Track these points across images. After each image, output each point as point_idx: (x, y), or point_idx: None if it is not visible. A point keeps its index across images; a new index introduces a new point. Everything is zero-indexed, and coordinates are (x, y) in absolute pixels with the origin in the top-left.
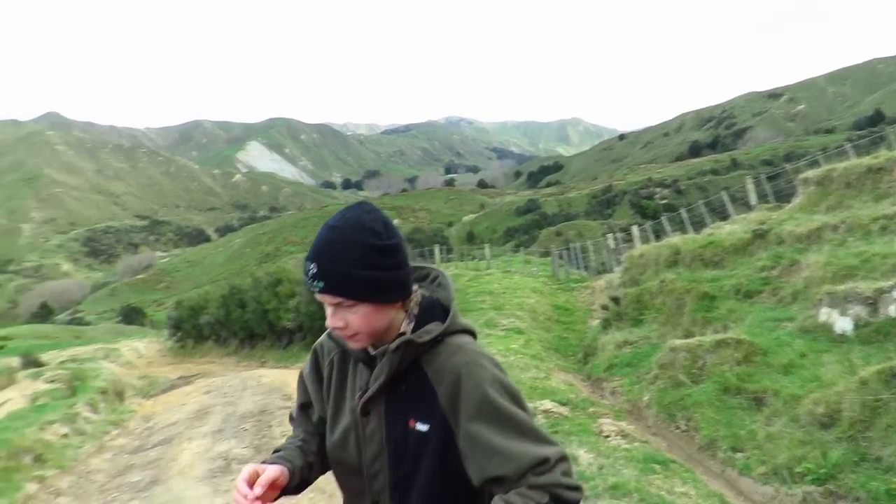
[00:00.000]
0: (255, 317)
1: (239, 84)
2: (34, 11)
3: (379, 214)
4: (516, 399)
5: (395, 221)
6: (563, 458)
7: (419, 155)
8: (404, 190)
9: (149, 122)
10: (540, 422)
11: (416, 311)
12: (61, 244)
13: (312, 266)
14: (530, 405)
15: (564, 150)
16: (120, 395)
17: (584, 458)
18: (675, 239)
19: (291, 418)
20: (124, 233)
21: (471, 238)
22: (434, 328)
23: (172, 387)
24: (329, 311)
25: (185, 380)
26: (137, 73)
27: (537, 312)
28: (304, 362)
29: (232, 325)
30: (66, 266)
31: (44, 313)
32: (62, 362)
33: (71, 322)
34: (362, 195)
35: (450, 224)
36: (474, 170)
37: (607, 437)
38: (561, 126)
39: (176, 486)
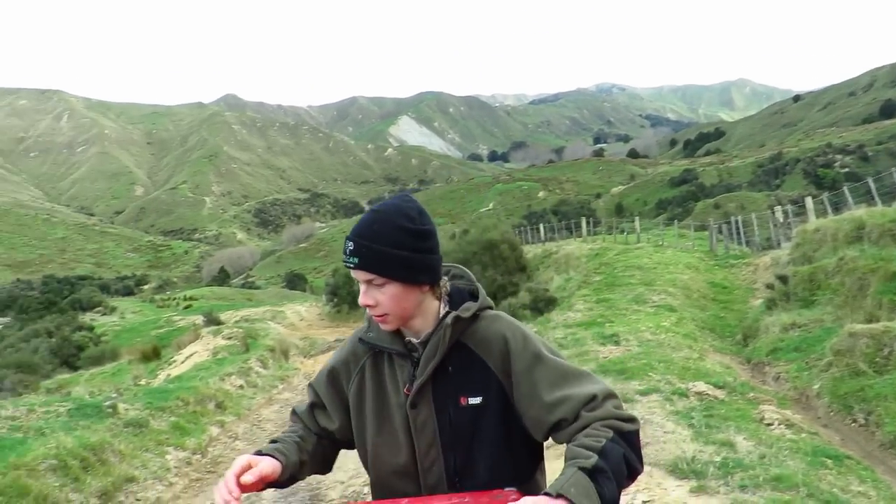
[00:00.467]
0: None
1: (393, 59)
2: (214, 4)
3: (416, 203)
4: (555, 351)
5: (541, 194)
6: (612, 394)
7: (567, 125)
8: (551, 161)
9: (311, 100)
10: (692, 404)
11: (447, 297)
12: (236, 215)
13: (350, 244)
14: (681, 386)
15: (727, 116)
16: (285, 354)
17: (742, 445)
18: (858, 212)
19: (294, 413)
20: (289, 205)
21: (620, 210)
22: (471, 305)
23: (329, 348)
24: (362, 288)
25: (341, 342)
26: (302, 53)
27: (691, 289)
28: (317, 374)
29: None
30: (240, 235)
31: (222, 277)
32: (237, 321)
33: (244, 286)
34: (508, 167)
35: (597, 196)
36: (625, 139)
37: (769, 425)
38: (724, 89)
39: None
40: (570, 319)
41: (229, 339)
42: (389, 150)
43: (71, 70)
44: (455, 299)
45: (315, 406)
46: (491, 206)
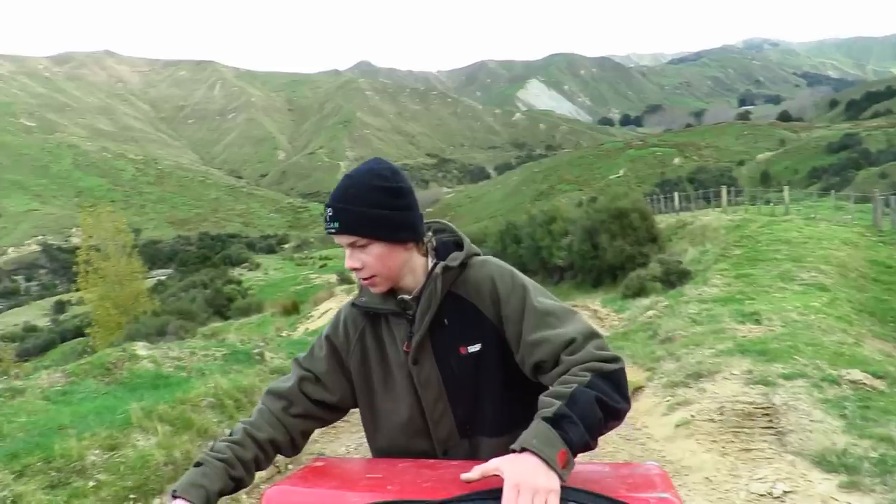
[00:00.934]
0: (528, 253)
1: (522, 21)
2: None
3: (388, 164)
4: (543, 292)
5: (676, 160)
6: (593, 334)
7: (709, 86)
8: (689, 125)
9: (440, 65)
10: (845, 393)
11: (433, 252)
12: None
13: (329, 210)
14: (832, 372)
15: None
16: None
17: None
18: None
19: (271, 393)
20: (417, 170)
21: (765, 179)
22: (458, 254)
23: None
24: (347, 253)
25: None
26: (433, 17)
27: (848, 268)
28: (313, 349)
29: (507, 259)
30: None
31: None
32: None
33: None
34: (641, 132)
35: (740, 163)
36: (775, 100)
37: None
38: None
39: None
40: (706, 294)
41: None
42: (517, 114)
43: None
44: (441, 252)
45: (305, 380)
46: (621, 172)
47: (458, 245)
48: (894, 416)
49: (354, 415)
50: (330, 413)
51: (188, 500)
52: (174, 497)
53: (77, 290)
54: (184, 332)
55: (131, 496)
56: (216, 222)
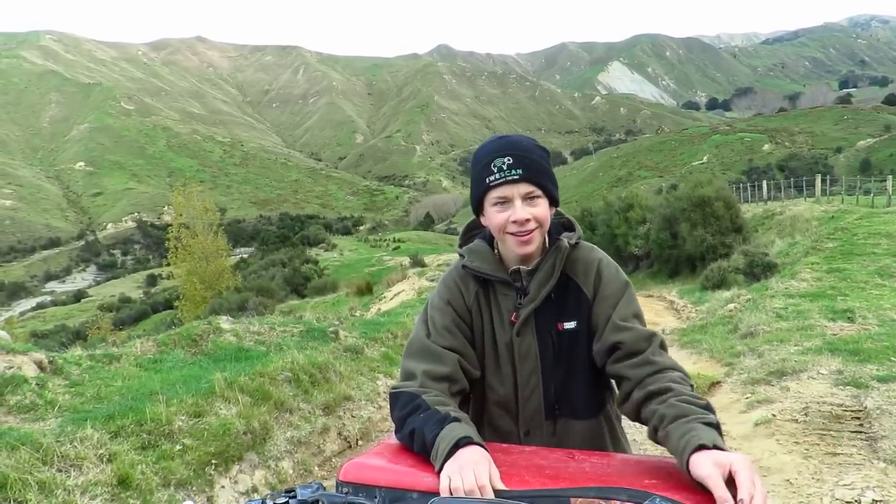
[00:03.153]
0: (603, 240)
1: (605, 1)
2: None
3: None
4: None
5: (766, 147)
6: (665, 343)
7: (806, 67)
8: (782, 109)
9: (519, 47)
10: None
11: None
12: (443, 163)
13: (507, 158)
14: None
15: None
16: None
17: None
18: None
19: (439, 378)
20: None
21: (865, 168)
22: (572, 234)
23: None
24: (518, 204)
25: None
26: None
27: None
28: (427, 319)
29: None
30: (445, 182)
31: (427, 222)
32: (439, 265)
33: (446, 231)
34: (729, 116)
35: (838, 150)
36: (882, 82)
37: None
38: None
39: None
40: (794, 289)
41: (432, 280)
42: (597, 98)
43: (307, 26)
44: (552, 231)
45: (457, 358)
46: (705, 159)
47: (566, 226)
48: None
49: None
50: (468, 386)
51: (482, 445)
52: (467, 444)
53: (167, 264)
54: (263, 308)
55: (213, 461)
56: (296, 203)
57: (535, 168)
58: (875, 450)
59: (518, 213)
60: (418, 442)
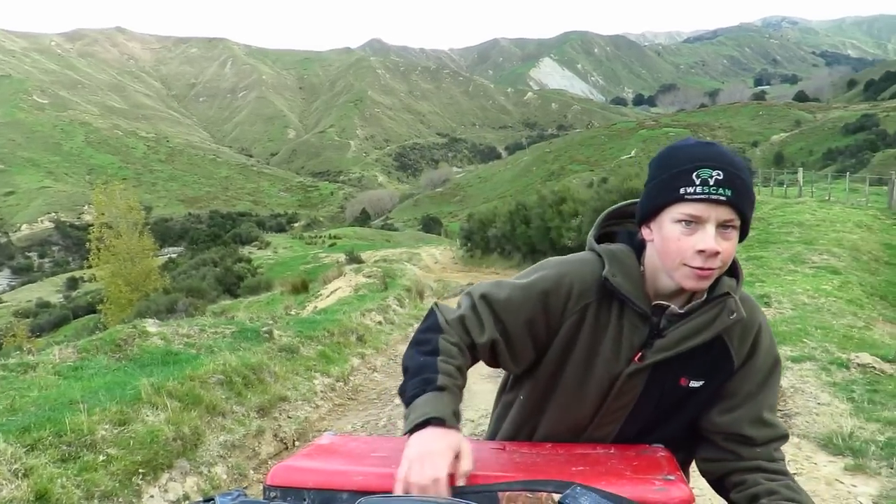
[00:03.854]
0: (537, 233)
1: None
2: None
3: None
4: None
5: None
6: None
7: (724, 65)
8: (703, 105)
9: (453, 42)
10: (853, 377)
11: None
12: (378, 158)
13: (717, 172)
14: (841, 356)
15: None
16: (420, 294)
17: None
18: None
19: (457, 350)
20: (427, 149)
21: (779, 160)
22: (734, 284)
23: (461, 292)
24: (710, 230)
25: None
26: None
27: (861, 251)
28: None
29: (516, 240)
30: (381, 178)
31: (363, 218)
32: (376, 261)
33: (383, 227)
34: (655, 112)
35: (754, 144)
36: (792, 80)
37: None
38: None
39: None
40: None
41: (369, 277)
42: (529, 94)
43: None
44: None
45: (497, 343)
46: (633, 153)
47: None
48: None
49: (362, 392)
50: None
51: (455, 429)
52: (437, 425)
53: (89, 266)
54: (194, 309)
55: (140, 470)
56: (226, 200)
57: (745, 193)
58: (790, 426)
59: (709, 242)
60: (404, 382)
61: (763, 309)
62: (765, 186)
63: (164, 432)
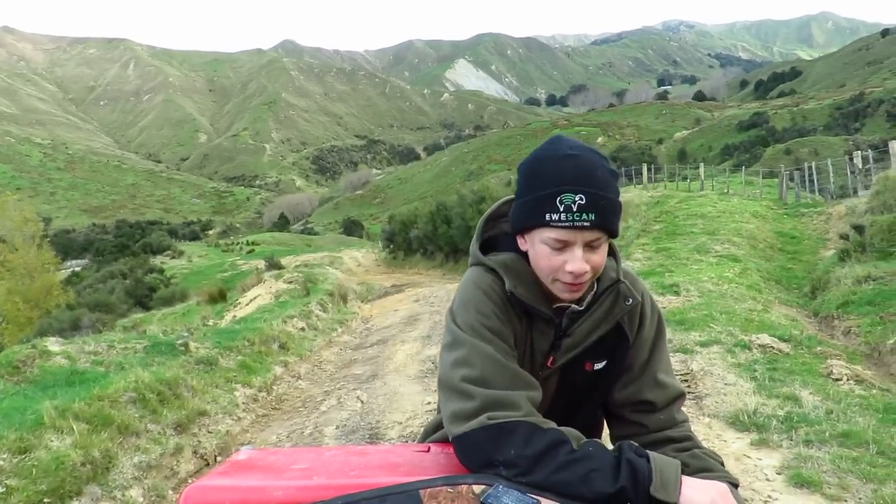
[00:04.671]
0: (459, 233)
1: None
2: None
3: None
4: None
5: (600, 139)
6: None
7: (630, 66)
8: (611, 105)
9: (368, 44)
10: (755, 357)
11: None
12: (295, 162)
13: (579, 197)
14: (744, 338)
15: (806, 54)
16: (343, 298)
17: (808, 400)
18: None
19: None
20: (346, 151)
21: (682, 156)
22: (616, 266)
23: (386, 294)
24: (577, 254)
25: (397, 288)
26: None
27: (757, 239)
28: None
29: (438, 240)
30: (299, 181)
31: (282, 223)
32: (297, 266)
33: (303, 231)
34: (567, 112)
35: (659, 141)
36: (692, 80)
37: (837, 380)
38: (803, 24)
39: (392, 381)
40: (629, 268)
41: (290, 283)
42: (445, 95)
43: (135, 18)
44: None
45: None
46: None
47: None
48: (798, 376)
49: (286, 401)
50: None
51: None
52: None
53: None
54: (101, 325)
55: (46, 500)
56: (134, 209)
57: (609, 211)
58: (701, 407)
59: (577, 264)
60: (602, 478)
61: (672, 297)
62: (671, 181)
63: (72, 457)
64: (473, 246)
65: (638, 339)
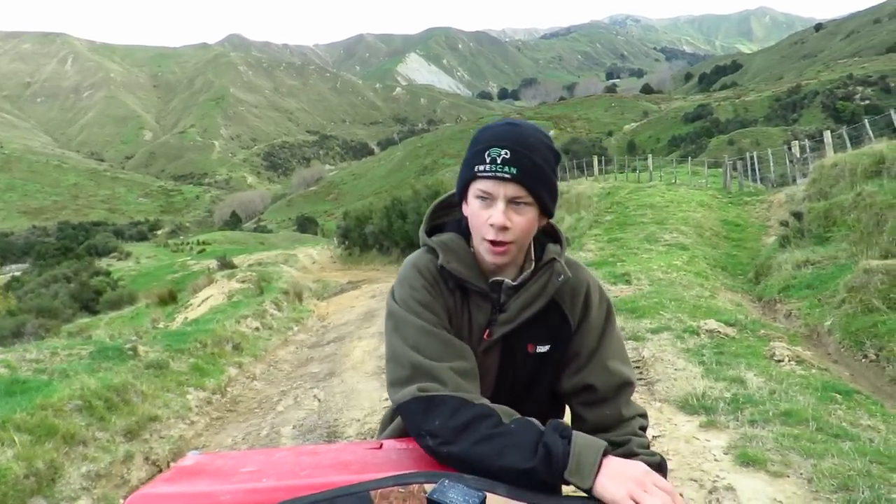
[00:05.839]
0: (414, 227)
1: None
2: None
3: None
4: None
5: (552, 132)
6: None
7: (579, 60)
8: (562, 98)
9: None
10: (703, 342)
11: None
12: (245, 159)
13: (505, 151)
14: (692, 324)
15: (746, 47)
16: (299, 296)
17: (752, 381)
18: (879, 146)
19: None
20: (297, 147)
21: (632, 148)
22: (558, 249)
23: (342, 291)
24: (500, 207)
25: (353, 285)
26: None
27: (703, 228)
28: (412, 290)
29: (394, 235)
30: (250, 179)
31: (233, 221)
32: (250, 265)
33: (256, 230)
34: (519, 105)
35: (609, 134)
36: (639, 74)
37: (780, 361)
38: (743, 18)
39: (349, 378)
40: (582, 259)
41: (243, 282)
42: (398, 89)
43: (73, 12)
44: (538, 236)
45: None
46: None
47: (547, 232)
48: (743, 359)
49: (241, 403)
50: None
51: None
52: (608, 453)
53: None
54: (45, 331)
55: None
56: (77, 210)
57: (533, 172)
58: (652, 392)
59: (497, 216)
60: (517, 453)
61: (624, 287)
62: (621, 173)
63: (13, 470)
64: (421, 233)
65: (585, 326)
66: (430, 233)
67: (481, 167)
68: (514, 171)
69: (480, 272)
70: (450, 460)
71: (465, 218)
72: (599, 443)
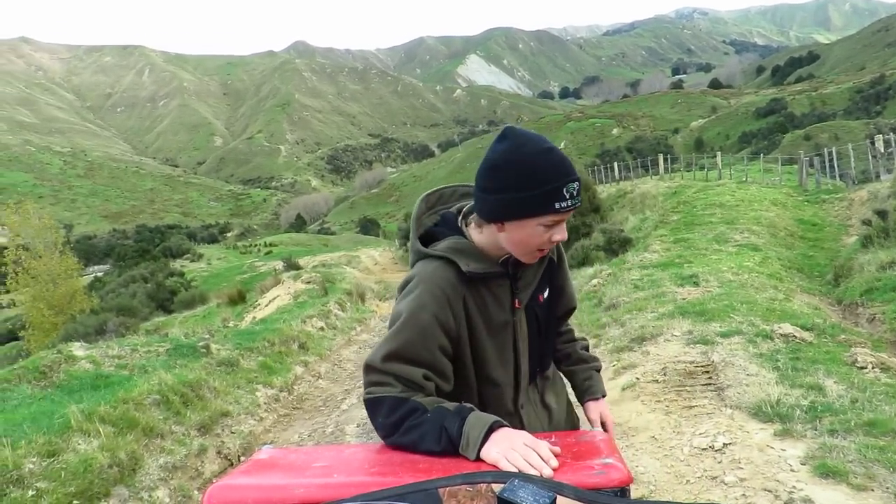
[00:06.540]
0: None
1: None
2: None
3: None
4: None
5: (615, 131)
6: None
7: (643, 56)
8: (625, 96)
9: (379, 42)
10: (777, 346)
11: None
12: (310, 162)
13: (576, 184)
14: (765, 328)
15: (823, 37)
16: (361, 297)
17: (832, 389)
18: None
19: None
20: (360, 150)
21: (699, 146)
22: None
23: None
24: (563, 226)
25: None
26: None
27: (777, 227)
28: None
29: None
30: (314, 182)
31: (299, 224)
32: (314, 267)
33: (320, 231)
34: (581, 104)
35: (675, 131)
36: (707, 68)
37: (862, 368)
38: (820, 7)
39: None
40: (647, 260)
41: (308, 283)
42: (458, 91)
43: (149, 25)
44: None
45: (430, 379)
46: (562, 145)
47: None
48: (822, 365)
49: (307, 401)
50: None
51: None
52: (500, 427)
53: (6, 292)
54: (125, 329)
55: (74, 502)
56: (153, 214)
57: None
58: (723, 398)
59: (564, 234)
60: (430, 439)
61: (692, 288)
62: (688, 171)
63: (99, 460)
64: (416, 244)
65: (558, 265)
66: (422, 239)
67: (563, 204)
68: (579, 201)
69: (491, 262)
70: (401, 447)
71: (452, 215)
72: (488, 419)
